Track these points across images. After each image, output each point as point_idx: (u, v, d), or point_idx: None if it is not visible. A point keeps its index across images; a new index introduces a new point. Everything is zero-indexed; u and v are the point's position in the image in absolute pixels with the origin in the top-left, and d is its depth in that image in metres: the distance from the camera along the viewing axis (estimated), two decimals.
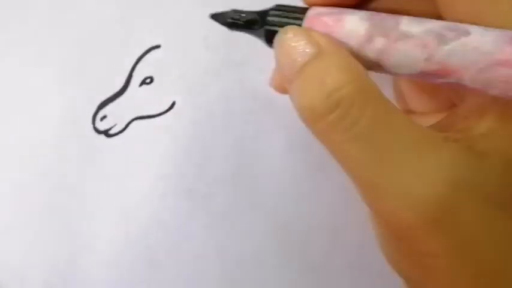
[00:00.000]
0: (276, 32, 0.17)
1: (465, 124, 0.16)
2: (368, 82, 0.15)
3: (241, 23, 0.18)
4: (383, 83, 0.17)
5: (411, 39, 0.15)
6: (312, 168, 0.25)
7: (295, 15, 0.17)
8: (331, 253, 0.24)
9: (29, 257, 0.26)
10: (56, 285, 0.25)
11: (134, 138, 0.26)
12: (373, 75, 0.16)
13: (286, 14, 0.17)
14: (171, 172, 0.26)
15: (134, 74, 0.27)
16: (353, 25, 0.16)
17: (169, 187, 0.25)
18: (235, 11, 0.19)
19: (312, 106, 0.15)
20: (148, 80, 0.27)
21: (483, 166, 0.15)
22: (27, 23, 0.28)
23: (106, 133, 0.26)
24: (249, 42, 0.19)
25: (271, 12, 0.18)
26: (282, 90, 0.23)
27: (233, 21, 0.18)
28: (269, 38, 0.18)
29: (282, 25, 0.17)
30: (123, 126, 0.26)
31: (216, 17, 0.19)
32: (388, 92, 0.22)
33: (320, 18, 0.16)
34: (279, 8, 0.18)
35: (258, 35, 0.18)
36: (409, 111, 0.22)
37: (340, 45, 0.16)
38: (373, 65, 0.16)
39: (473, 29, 0.15)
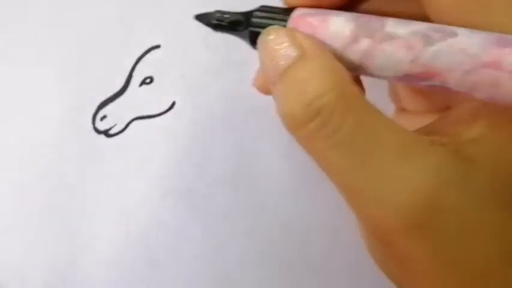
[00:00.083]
0: (260, 33, 0.16)
1: (455, 129, 0.16)
2: (350, 88, 0.15)
3: (226, 24, 0.18)
4: (379, 81, 0.17)
5: (397, 40, 0.15)
6: (312, 168, 0.25)
7: (280, 16, 0.17)
8: (331, 253, 0.24)
9: (29, 257, 0.26)
10: (56, 285, 0.25)
11: (134, 138, 0.26)
12: None
13: (270, 15, 0.17)
14: (171, 172, 0.26)
15: (134, 74, 0.27)
16: (338, 26, 0.16)
17: (169, 187, 0.25)
18: (219, 12, 0.18)
19: (292, 113, 0.15)
20: (148, 80, 0.27)
21: (470, 171, 0.15)
22: (27, 23, 0.28)
23: (106, 133, 0.26)
24: None
25: (256, 13, 0.17)
26: (265, 91, 0.22)
27: (217, 22, 0.18)
28: (253, 40, 0.17)
29: (266, 26, 0.16)
30: (123, 126, 0.26)
31: (200, 17, 0.18)
32: (383, 91, 0.21)
33: (305, 19, 0.16)
34: (264, 9, 0.17)
35: (242, 37, 0.18)
36: (404, 110, 0.21)
37: (324, 47, 0.16)
38: (357, 67, 0.16)
39: (460, 30, 0.15)
